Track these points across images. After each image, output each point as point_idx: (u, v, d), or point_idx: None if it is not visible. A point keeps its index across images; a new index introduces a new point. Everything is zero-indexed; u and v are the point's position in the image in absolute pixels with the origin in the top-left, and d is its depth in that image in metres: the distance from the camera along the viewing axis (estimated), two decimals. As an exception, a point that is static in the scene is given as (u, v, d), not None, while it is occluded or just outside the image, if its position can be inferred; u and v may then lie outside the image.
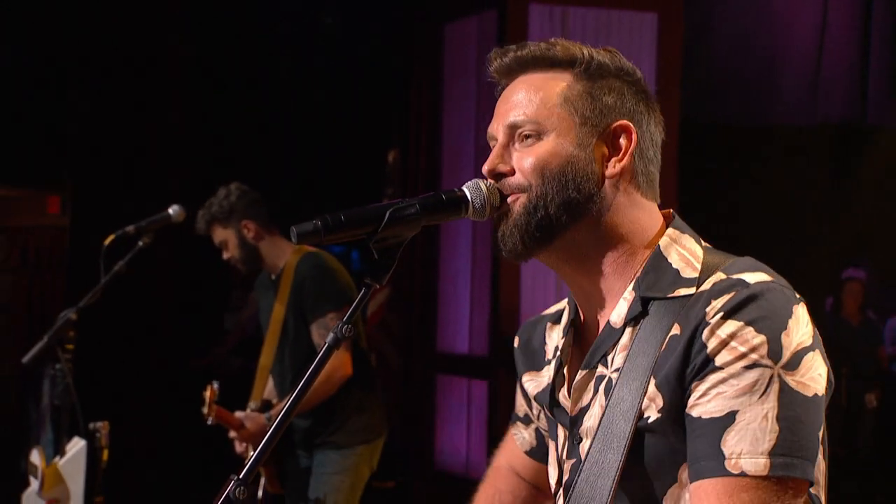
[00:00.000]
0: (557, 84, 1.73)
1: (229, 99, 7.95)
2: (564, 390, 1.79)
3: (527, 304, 7.71)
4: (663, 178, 1.81)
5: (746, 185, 10.65)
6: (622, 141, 1.72)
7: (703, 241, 1.76)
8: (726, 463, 1.54)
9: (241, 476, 1.54)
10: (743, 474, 1.53)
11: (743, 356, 1.56)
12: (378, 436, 4.59)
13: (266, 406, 4.52)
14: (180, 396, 6.23)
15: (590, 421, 1.72)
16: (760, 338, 1.56)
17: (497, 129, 1.76)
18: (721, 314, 1.58)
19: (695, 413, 1.59)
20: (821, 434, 1.62)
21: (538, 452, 2.03)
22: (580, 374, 1.74)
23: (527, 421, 2.04)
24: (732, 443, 1.55)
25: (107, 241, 4.20)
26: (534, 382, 1.90)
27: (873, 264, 11.00)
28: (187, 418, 4.42)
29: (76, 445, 4.25)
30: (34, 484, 4.22)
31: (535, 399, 1.89)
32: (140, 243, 4.26)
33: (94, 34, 6.62)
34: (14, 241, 10.79)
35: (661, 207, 1.80)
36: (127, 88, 6.61)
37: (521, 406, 2.04)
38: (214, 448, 4.66)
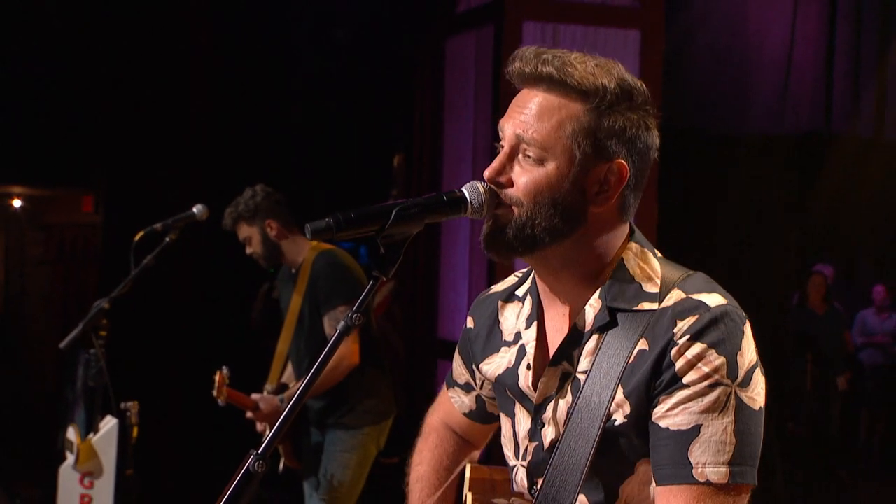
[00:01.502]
0: (569, 114, 1.70)
1: (250, 107, 7.95)
2: (528, 380, 1.80)
3: (520, 295, 7.72)
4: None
5: (721, 187, 10.65)
6: (613, 180, 1.72)
7: (657, 253, 1.79)
8: (693, 472, 1.61)
9: (259, 451, 1.55)
10: (708, 482, 1.61)
11: (707, 376, 1.62)
12: (385, 417, 4.59)
13: (281, 389, 4.52)
14: (204, 378, 6.25)
15: (553, 411, 1.76)
16: (721, 359, 1.63)
17: (506, 130, 1.75)
18: (688, 336, 1.63)
19: (662, 424, 1.64)
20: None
21: (476, 415, 2.06)
22: (547, 371, 1.77)
23: (467, 388, 2.05)
24: (698, 453, 1.62)
25: (136, 238, 4.21)
26: (493, 365, 1.90)
27: (836, 261, 10.99)
28: (210, 399, 4.42)
29: (108, 423, 4.26)
30: (70, 458, 4.22)
31: (496, 379, 1.89)
32: (167, 239, 4.26)
33: (126, 48, 6.62)
34: (51, 236, 10.80)
35: (639, 209, 1.81)
36: (155, 97, 6.61)
37: (461, 375, 2.05)
38: (235, 426, 4.66)
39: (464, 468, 2.03)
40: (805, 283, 10.07)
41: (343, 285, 4.37)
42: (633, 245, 1.76)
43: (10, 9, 7.47)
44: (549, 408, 1.76)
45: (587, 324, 1.73)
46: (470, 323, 1.98)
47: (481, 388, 2.02)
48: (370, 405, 4.50)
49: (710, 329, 1.64)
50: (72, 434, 4.23)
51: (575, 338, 1.74)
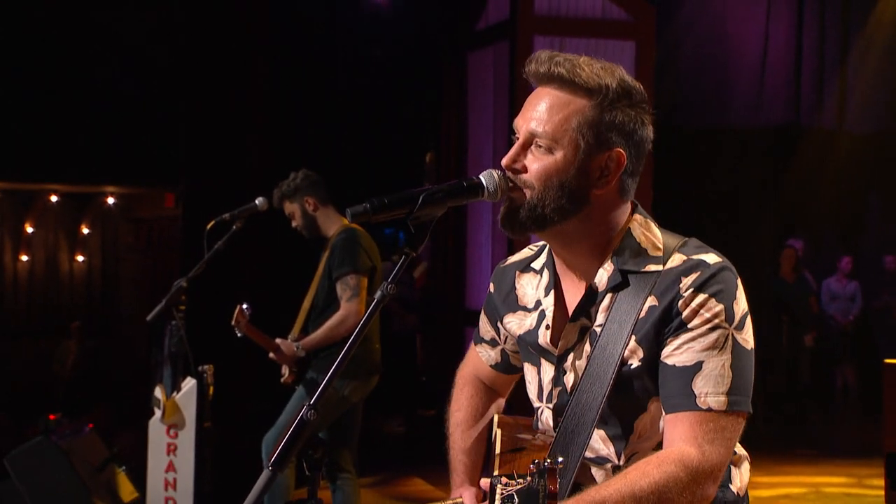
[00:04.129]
0: (576, 111, 1.69)
1: (304, 115, 7.97)
2: (547, 337, 1.80)
3: (535, 270, 7.70)
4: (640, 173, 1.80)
5: (706, 176, 10.59)
6: (613, 166, 1.71)
7: (657, 224, 1.79)
8: (697, 400, 1.63)
9: (311, 402, 1.55)
10: (709, 409, 1.63)
11: (708, 321, 1.65)
12: (369, 375, 4.49)
13: (301, 338, 4.50)
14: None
15: (574, 360, 1.75)
16: (720, 306, 1.65)
17: (521, 126, 1.74)
18: (692, 289, 1.66)
19: (669, 362, 1.66)
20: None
21: (502, 367, 2.03)
22: (567, 326, 1.77)
23: (493, 343, 2.02)
24: (700, 385, 1.63)
25: (208, 227, 4.22)
26: (516, 323, 1.89)
27: (806, 236, 10.91)
28: (272, 362, 4.43)
29: (189, 383, 4.28)
30: (157, 413, 4.25)
31: (519, 338, 1.88)
32: (234, 227, 4.26)
33: (197, 69, 6.63)
34: (140, 228, 10.88)
35: (636, 194, 1.80)
36: (224, 109, 6.63)
37: (487, 332, 2.03)
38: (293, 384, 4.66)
39: (492, 417, 2.02)
40: (778, 256, 10.04)
41: (354, 257, 4.38)
42: (638, 217, 1.77)
43: (102, 32, 7.52)
44: (570, 357, 1.76)
45: (601, 285, 1.73)
46: (492, 288, 1.97)
47: (505, 342, 2.00)
48: (359, 362, 4.40)
49: (711, 282, 1.66)
50: (159, 393, 4.26)
51: (591, 297, 1.74)
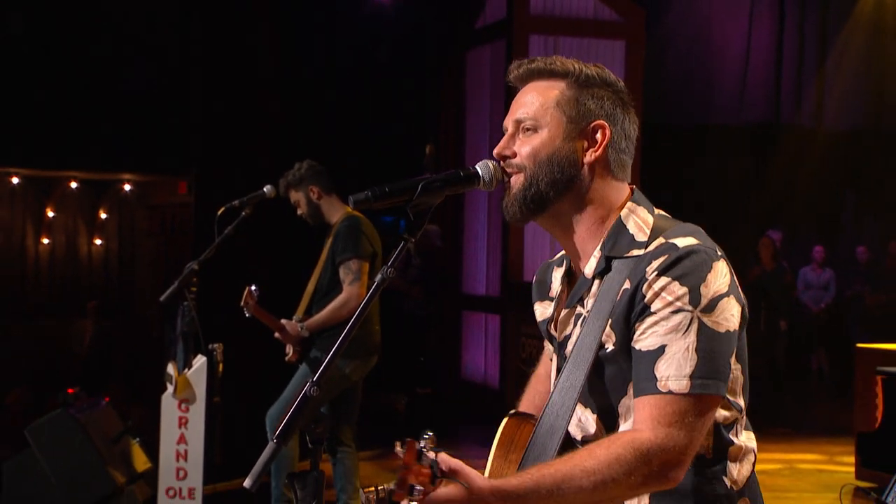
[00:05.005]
0: (554, 91, 1.69)
1: (311, 111, 7.94)
2: (552, 324, 1.78)
3: (528, 258, 7.68)
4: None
5: (691, 170, 10.59)
6: (598, 136, 1.67)
7: (656, 210, 1.72)
8: (658, 384, 1.54)
9: (314, 379, 1.53)
10: (670, 392, 1.53)
11: (670, 304, 1.56)
12: (369, 355, 4.48)
13: (304, 319, 4.49)
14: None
15: (570, 347, 1.71)
16: (683, 289, 1.56)
17: (508, 122, 1.73)
18: (656, 272, 1.57)
19: (637, 346, 1.58)
20: (732, 360, 1.60)
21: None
22: (564, 312, 1.74)
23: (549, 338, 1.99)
24: (663, 368, 1.54)
25: (219, 213, 4.20)
26: (540, 311, 1.86)
27: (784, 227, 10.92)
28: (277, 341, 4.43)
29: (199, 361, 4.27)
30: (170, 388, 4.24)
31: (539, 324, 1.86)
32: (243, 213, 4.25)
33: (206, 66, 6.62)
34: (155, 214, 10.85)
35: (634, 187, 1.76)
36: (234, 104, 6.62)
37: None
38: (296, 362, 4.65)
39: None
40: (757, 245, 10.06)
41: (356, 243, 4.37)
42: (631, 203, 1.70)
43: (120, 28, 7.49)
44: (569, 345, 1.72)
45: (591, 271, 1.69)
46: (534, 279, 1.92)
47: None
48: (360, 343, 4.39)
49: (675, 265, 1.57)
50: (171, 369, 4.24)
51: (583, 283, 1.70)
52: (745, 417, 1.69)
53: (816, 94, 11.46)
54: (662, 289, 1.57)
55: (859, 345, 6.53)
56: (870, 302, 10.22)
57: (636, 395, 1.58)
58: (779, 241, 10.29)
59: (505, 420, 1.79)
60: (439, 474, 1.45)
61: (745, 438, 1.68)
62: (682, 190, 9.97)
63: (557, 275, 1.85)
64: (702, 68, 10.79)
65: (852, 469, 5.91)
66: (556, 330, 1.76)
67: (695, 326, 1.55)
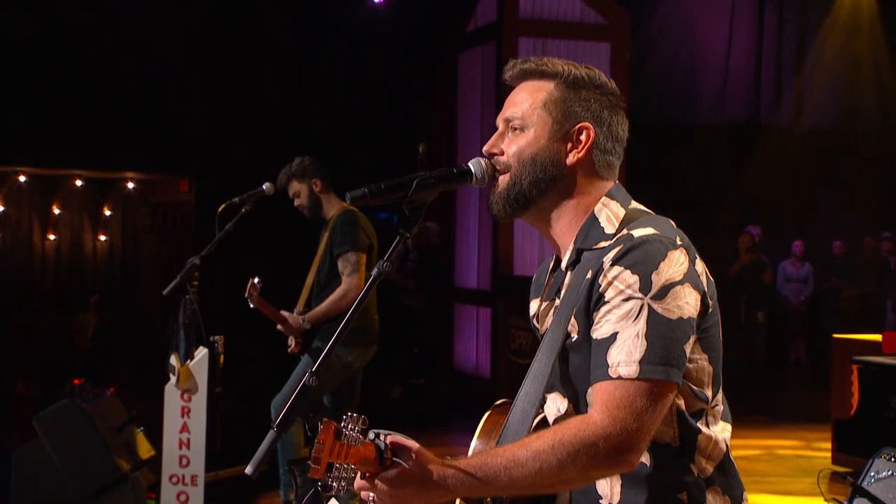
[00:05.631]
0: (542, 92, 1.68)
1: (308, 110, 7.93)
2: (537, 316, 1.77)
3: (518, 253, 7.69)
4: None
5: (674, 167, 10.59)
6: (582, 138, 1.67)
7: (633, 203, 1.70)
8: (609, 370, 1.52)
9: (313, 370, 1.52)
10: (619, 377, 1.51)
11: (621, 292, 1.53)
12: (368, 343, 4.46)
13: (305, 312, 4.48)
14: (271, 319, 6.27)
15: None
16: (634, 278, 1.53)
17: (499, 120, 1.73)
18: (610, 262, 1.56)
19: (593, 335, 1.56)
20: (695, 348, 1.58)
21: None
22: (543, 305, 1.73)
23: None
24: (614, 355, 1.52)
25: (219, 209, 4.18)
26: (532, 307, 1.84)
27: (763, 223, 10.95)
28: (277, 333, 4.42)
29: (201, 352, 4.26)
30: (173, 379, 4.23)
31: (531, 321, 1.84)
32: (243, 210, 4.23)
33: (208, 69, 6.59)
34: (157, 212, 10.83)
35: (617, 183, 1.73)
36: (234, 104, 6.59)
37: None
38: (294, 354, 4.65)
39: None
40: (737, 240, 10.09)
41: (354, 236, 4.36)
42: (604, 198, 1.68)
43: (124, 32, 7.47)
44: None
45: (565, 264, 1.68)
46: (532, 282, 1.89)
47: None
48: (360, 332, 4.37)
49: (627, 254, 1.55)
50: (174, 360, 4.23)
51: (559, 276, 1.70)
52: (720, 408, 1.66)
53: (795, 95, 11.50)
54: (615, 278, 1.55)
55: (836, 335, 6.55)
56: (845, 294, 10.26)
57: (592, 382, 1.55)
58: (758, 236, 10.32)
59: (487, 413, 1.77)
60: (388, 455, 1.44)
61: (719, 429, 1.64)
62: (665, 187, 9.99)
63: (548, 270, 1.84)
64: (684, 70, 10.80)
65: (829, 455, 5.94)
66: (539, 323, 1.75)
67: (644, 313, 1.52)
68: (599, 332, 1.55)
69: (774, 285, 10.31)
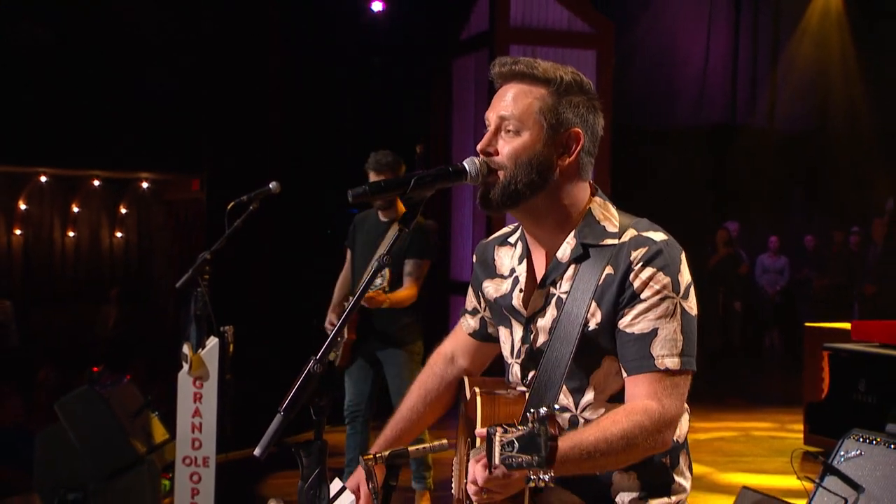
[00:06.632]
0: (536, 97, 1.68)
1: (311, 113, 7.91)
2: (519, 300, 1.77)
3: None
4: (600, 165, 1.77)
5: (655, 167, 10.59)
6: (573, 143, 1.69)
7: (614, 206, 1.77)
8: (656, 362, 1.62)
9: (317, 357, 1.51)
10: (667, 370, 1.62)
11: (658, 292, 1.63)
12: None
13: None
14: (276, 308, 6.27)
15: (542, 322, 1.72)
16: (667, 279, 1.63)
17: (492, 116, 1.72)
18: (641, 264, 1.63)
19: (628, 330, 1.64)
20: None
21: (479, 334, 1.96)
22: (536, 292, 1.74)
23: (474, 312, 1.97)
24: (658, 349, 1.62)
25: (229, 207, 4.16)
26: (493, 287, 1.86)
27: (740, 219, 10.97)
28: (289, 321, 4.40)
29: (212, 342, 4.24)
30: (185, 367, 4.22)
31: (495, 300, 1.85)
32: (251, 207, 4.20)
33: (218, 72, 6.57)
34: (170, 210, 10.81)
35: (596, 183, 1.79)
36: (243, 108, 6.58)
37: (470, 302, 1.97)
38: (303, 342, 4.64)
39: (462, 380, 1.94)
40: (715, 235, 10.10)
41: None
42: (597, 199, 1.74)
43: (139, 38, 7.45)
44: (539, 319, 1.73)
45: (565, 257, 1.71)
46: (475, 259, 1.95)
47: (484, 310, 1.94)
48: (416, 323, 4.30)
49: (657, 257, 1.64)
50: (186, 349, 4.22)
51: (556, 267, 1.71)
52: None
53: (769, 98, 11.50)
54: (650, 278, 1.63)
55: (807, 324, 6.56)
56: (817, 285, 10.28)
57: (632, 373, 1.64)
58: (735, 232, 10.34)
59: (479, 397, 1.76)
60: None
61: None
62: (647, 186, 9.99)
63: (504, 255, 1.85)
64: (665, 75, 10.81)
65: (801, 436, 5.95)
66: (522, 305, 1.76)
67: (678, 311, 1.64)
68: (638, 327, 1.64)
69: (750, 277, 10.33)
